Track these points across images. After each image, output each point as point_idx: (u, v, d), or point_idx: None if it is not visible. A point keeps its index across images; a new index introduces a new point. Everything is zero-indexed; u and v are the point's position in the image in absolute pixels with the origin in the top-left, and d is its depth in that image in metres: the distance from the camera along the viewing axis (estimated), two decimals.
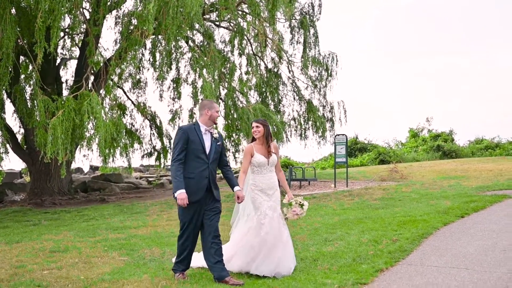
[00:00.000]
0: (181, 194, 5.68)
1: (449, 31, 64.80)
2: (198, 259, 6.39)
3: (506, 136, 32.20)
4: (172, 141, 20.95)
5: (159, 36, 17.43)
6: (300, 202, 6.44)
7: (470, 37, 60.94)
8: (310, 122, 20.94)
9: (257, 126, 6.43)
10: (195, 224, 5.89)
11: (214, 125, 6.13)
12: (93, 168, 33.67)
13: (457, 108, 57.30)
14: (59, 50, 19.88)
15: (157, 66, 18.52)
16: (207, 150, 5.93)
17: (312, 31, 20.40)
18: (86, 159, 18.77)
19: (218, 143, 6.04)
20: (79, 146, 16.77)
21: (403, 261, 6.41)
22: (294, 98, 21.18)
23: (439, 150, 29.56)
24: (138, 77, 20.31)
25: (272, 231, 6.16)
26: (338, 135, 17.28)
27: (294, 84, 21.09)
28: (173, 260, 6.26)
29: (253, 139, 6.51)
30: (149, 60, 18.65)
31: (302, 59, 20.31)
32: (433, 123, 36.82)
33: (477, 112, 55.67)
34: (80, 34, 19.83)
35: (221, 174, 6.44)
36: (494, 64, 60.87)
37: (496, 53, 61.15)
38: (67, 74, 23.77)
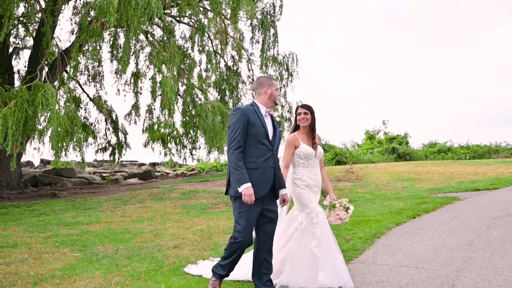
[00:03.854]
0: (248, 189, 4.65)
1: (408, 35, 66.45)
2: (200, 268, 5.99)
3: (458, 140, 33.33)
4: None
5: (118, 29, 17.09)
6: (345, 205, 5.52)
7: (428, 41, 62.65)
8: None
9: (305, 113, 5.56)
10: (254, 224, 4.91)
11: (275, 106, 5.24)
12: (44, 162, 32.79)
13: (412, 112, 58.90)
14: (12, 39, 19.21)
15: (116, 60, 18.15)
16: (270, 135, 5.00)
17: (272, 31, 20.49)
18: (37, 152, 18.18)
19: (279, 129, 5.16)
20: (30, 139, 16.25)
21: (356, 259, 6.51)
22: (253, 97, 21.15)
23: (394, 153, 30.24)
24: (95, 70, 19.86)
25: (327, 231, 5.34)
26: None
27: (253, 82, 21.08)
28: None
29: (295, 128, 5.70)
30: (112, 52, 18.25)
31: (261, 58, 20.36)
32: (389, 126, 37.72)
33: (431, 116, 57.39)
34: (34, 24, 19.22)
35: None
36: (449, 68, 62.84)
37: (451, 58, 63.14)
38: (19, 64, 23.01)
